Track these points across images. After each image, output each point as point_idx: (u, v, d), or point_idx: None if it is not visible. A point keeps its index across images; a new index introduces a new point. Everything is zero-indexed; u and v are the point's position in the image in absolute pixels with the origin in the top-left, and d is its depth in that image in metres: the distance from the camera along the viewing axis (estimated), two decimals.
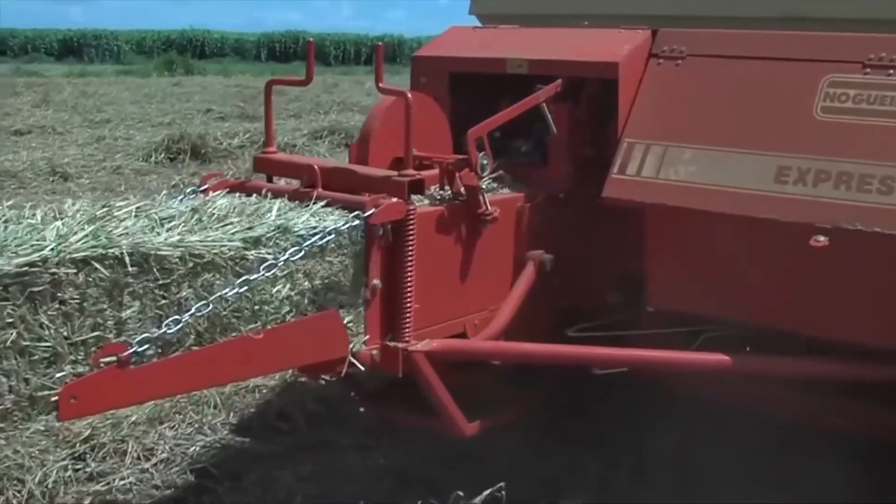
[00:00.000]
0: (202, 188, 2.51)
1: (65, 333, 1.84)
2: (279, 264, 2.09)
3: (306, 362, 2.28)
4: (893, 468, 2.77)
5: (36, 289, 1.78)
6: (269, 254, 2.13)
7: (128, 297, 1.92)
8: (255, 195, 2.44)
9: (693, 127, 2.65)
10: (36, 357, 1.80)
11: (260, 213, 2.26)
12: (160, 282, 1.97)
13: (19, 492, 2.97)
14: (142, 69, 24.27)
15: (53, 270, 1.80)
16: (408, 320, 2.42)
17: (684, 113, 2.69)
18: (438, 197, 2.57)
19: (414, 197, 2.44)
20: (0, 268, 1.73)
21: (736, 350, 2.57)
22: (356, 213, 2.26)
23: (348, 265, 2.31)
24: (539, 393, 3.01)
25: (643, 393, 2.90)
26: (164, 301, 1.98)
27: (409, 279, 2.40)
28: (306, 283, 2.24)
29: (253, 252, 2.11)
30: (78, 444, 3.28)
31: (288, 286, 2.20)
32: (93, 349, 1.87)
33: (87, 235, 1.90)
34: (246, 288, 2.04)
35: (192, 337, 2.03)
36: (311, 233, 2.20)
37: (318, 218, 2.28)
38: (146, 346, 1.88)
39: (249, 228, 2.15)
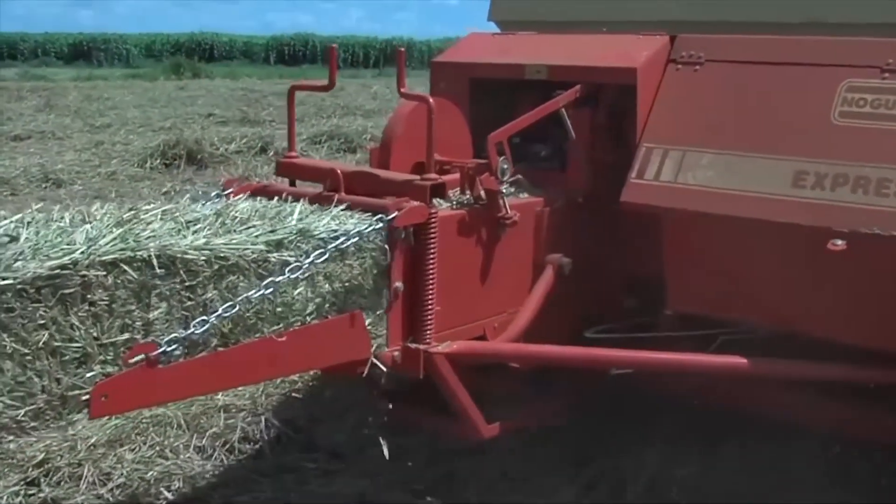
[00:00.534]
0: (225, 192, 2.54)
1: (94, 334, 1.86)
2: (304, 266, 2.12)
3: (330, 363, 2.30)
4: None
5: (67, 291, 1.80)
6: (290, 256, 2.15)
7: (155, 298, 1.95)
8: (276, 199, 2.46)
9: (711, 132, 2.67)
10: (67, 357, 1.83)
11: (282, 217, 2.28)
12: (186, 283, 1.99)
13: None
14: (149, 73, 24.36)
15: (84, 273, 1.82)
16: (429, 322, 2.44)
17: (702, 118, 2.71)
18: (459, 201, 2.59)
19: (435, 201, 2.46)
20: (33, 271, 1.76)
21: (759, 354, 2.58)
22: (379, 216, 2.28)
23: (368, 268, 2.34)
24: (558, 398, 3.02)
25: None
26: (189, 302, 2.01)
27: (430, 282, 2.42)
28: (327, 285, 2.26)
29: (275, 255, 2.13)
30: (31, 469, 3.13)
31: (309, 289, 2.22)
32: (121, 350, 1.89)
33: (115, 238, 1.93)
34: (271, 290, 2.07)
35: (217, 338, 2.06)
36: (331, 236, 2.22)
37: (338, 221, 2.30)
38: (174, 346, 1.91)
39: (272, 231, 2.17)
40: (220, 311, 1.99)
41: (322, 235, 2.21)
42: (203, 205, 2.40)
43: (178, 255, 1.96)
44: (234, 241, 2.08)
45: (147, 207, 2.18)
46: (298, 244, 2.17)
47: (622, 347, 2.71)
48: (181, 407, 3.56)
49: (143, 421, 3.48)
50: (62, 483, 3.12)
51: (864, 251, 2.34)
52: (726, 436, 3.04)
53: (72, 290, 1.81)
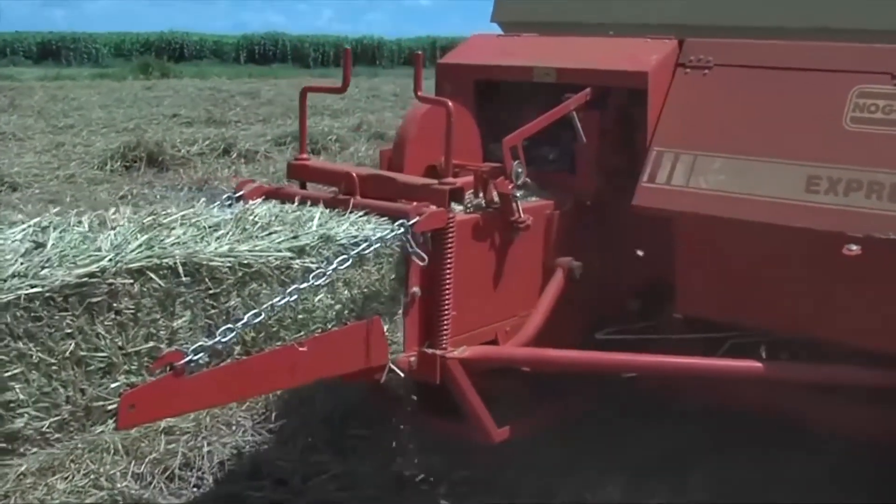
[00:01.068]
0: (237, 194, 2.51)
1: (119, 343, 1.83)
2: (328, 273, 2.10)
3: (350, 369, 2.28)
4: None
5: (94, 300, 1.77)
6: (312, 263, 2.13)
7: (179, 306, 1.92)
8: (290, 202, 2.44)
9: (722, 136, 2.68)
10: (92, 367, 1.79)
11: (301, 222, 2.26)
12: (210, 291, 1.96)
13: None
14: (118, 72, 23.93)
15: (111, 281, 1.79)
16: (445, 328, 2.44)
17: (713, 122, 2.72)
18: (472, 204, 2.58)
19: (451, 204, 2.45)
20: (61, 279, 1.72)
21: (773, 357, 2.60)
22: (401, 221, 2.27)
23: (386, 273, 2.32)
24: (568, 402, 3.02)
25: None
26: (213, 310, 1.98)
27: (447, 287, 2.41)
28: (346, 291, 2.25)
29: (298, 261, 2.11)
30: None
31: (329, 295, 2.21)
32: (146, 359, 1.86)
33: (140, 245, 1.90)
34: (296, 297, 2.05)
35: (239, 346, 2.03)
36: (352, 241, 2.20)
37: (357, 227, 2.29)
38: (201, 355, 1.88)
39: (294, 237, 2.15)
40: (246, 318, 1.96)
41: (342, 241, 2.19)
42: (218, 208, 2.37)
43: (204, 263, 1.94)
44: (257, 248, 2.06)
45: (166, 212, 2.15)
46: (320, 250, 2.15)
47: (633, 350, 2.71)
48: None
49: (78, 447, 3.21)
50: None
51: (878, 256, 2.36)
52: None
53: (99, 299, 1.77)
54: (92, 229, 2.00)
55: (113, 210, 2.14)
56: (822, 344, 2.58)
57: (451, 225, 2.39)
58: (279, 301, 2.03)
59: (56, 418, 1.75)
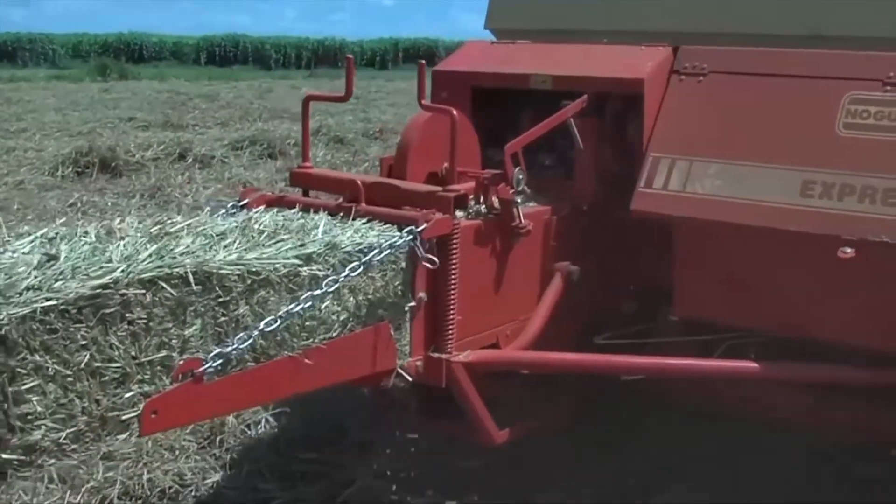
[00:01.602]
0: (241, 202, 2.52)
1: (133, 353, 1.84)
2: (340, 280, 2.12)
3: (359, 375, 2.31)
4: None
5: (107, 310, 1.78)
6: (319, 270, 2.15)
7: (190, 315, 1.93)
8: (294, 210, 2.45)
9: (717, 142, 2.72)
10: (106, 378, 1.80)
11: (307, 230, 2.28)
12: (220, 299, 1.98)
13: None
14: (75, 74, 23.48)
15: (123, 291, 1.80)
16: (451, 332, 2.46)
17: (708, 128, 2.76)
18: (474, 211, 2.61)
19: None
20: (75, 291, 1.73)
21: (772, 357, 2.65)
22: (409, 228, 2.29)
23: (390, 279, 2.34)
24: (565, 403, 3.06)
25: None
26: (223, 318, 2.00)
27: (452, 292, 2.44)
28: (352, 298, 2.27)
29: (306, 269, 2.13)
30: None
31: (336, 302, 2.23)
32: (159, 368, 1.88)
33: (151, 255, 1.91)
34: (310, 304, 2.07)
35: (250, 353, 2.05)
36: (358, 248, 2.22)
37: (361, 234, 2.31)
38: (220, 362, 1.90)
39: (301, 245, 2.17)
40: (262, 325, 1.98)
41: (348, 248, 2.21)
42: (223, 216, 2.39)
43: (214, 271, 1.95)
44: (265, 256, 2.07)
45: (172, 221, 2.16)
46: (326, 257, 2.17)
47: (632, 352, 2.75)
48: None
49: (13, 475, 3.07)
50: None
51: (872, 259, 2.42)
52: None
53: (112, 310, 1.78)
54: (100, 240, 2.00)
55: (119, 220, 2.15)
56: (818, 344, 2.63)
57: (455, 231, 2.41)
58: (295, 307, 2.05)
59: (72, 429, 1.76)
